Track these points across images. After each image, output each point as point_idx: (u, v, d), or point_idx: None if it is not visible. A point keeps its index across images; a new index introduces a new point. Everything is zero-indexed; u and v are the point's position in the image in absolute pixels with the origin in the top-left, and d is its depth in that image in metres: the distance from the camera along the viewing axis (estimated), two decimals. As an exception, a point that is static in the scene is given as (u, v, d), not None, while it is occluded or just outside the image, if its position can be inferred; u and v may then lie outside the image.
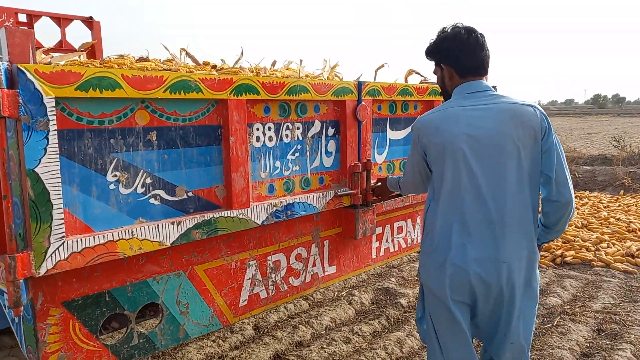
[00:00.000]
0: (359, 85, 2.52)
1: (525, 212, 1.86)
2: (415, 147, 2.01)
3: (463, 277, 1.83)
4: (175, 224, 1.82)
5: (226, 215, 1.99)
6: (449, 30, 1.97)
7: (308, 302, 4.57)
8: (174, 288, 1.92)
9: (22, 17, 5.34)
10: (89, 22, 5.83)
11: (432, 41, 2.03)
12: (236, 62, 3.03)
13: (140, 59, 2.79)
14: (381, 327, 4.08)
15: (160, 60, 3.01)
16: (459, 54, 1.93)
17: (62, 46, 5.06)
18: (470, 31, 1.93)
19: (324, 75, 2.89)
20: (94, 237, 1.60)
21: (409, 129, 3.01)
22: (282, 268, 2.35)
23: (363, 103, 2.54)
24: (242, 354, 3.63)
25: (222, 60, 3.21)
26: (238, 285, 2.16)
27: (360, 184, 2.58)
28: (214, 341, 3.84)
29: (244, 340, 3.90)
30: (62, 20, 5.51)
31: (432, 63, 2.10)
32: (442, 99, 2.27)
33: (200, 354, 3.64)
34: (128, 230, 1.69)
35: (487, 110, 1.88)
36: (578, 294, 4.66)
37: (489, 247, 1.82)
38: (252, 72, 2.59)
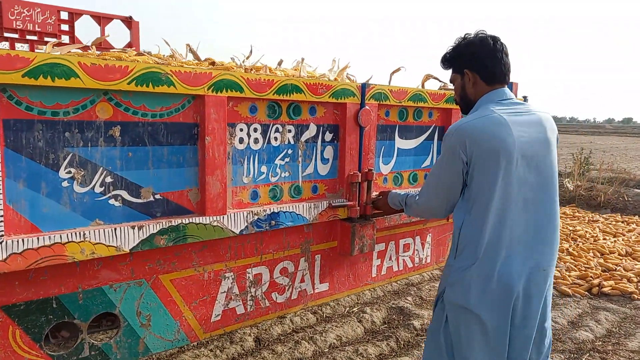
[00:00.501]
0: (363, 87, 2.31)
1: (557, 220, 1.89)
2: (453, 159, 1.80)
3: (510, 290, 1.79)
4: (136, 228, 1.67)
5: (198, 221, 1.82)
6: (472, 36, 1.92)
7: (316, 317, 4.36)
8: (134, 298, 1.77)
9: (64, 15, 5.46)
10: (128, 21, 5.91)
11: (452, 47, 1.97)
12: (245, 60, 2.89)
13: (140, 54, 2.69)
14: (389, 350, 3.81)
15: (163, 55, 2.91)
16: (487, 59, 1.88)
17: (101, 44, 5.13)
18: (495, 38, 1.89)
19: (330, 77, 2.70)
20: (38, 238, 1.47)
21: (421, 138, 2.76)
22: (264, 282, 2.16)
23: (366, 107, 2.32)
24: (237, 366, 3.46)
25: (231, 58, 3.08)
26: (211, 298, 1.98)
27: (359, 195, 2.37)
28: (211, 350, 3.69)
29: (243, 352, 3.73)
30: (102, 19, 5.61)
31: (448, 72, 2.02)
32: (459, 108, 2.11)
33: (195, 362, 3.50)
34: (79, 233, 1.55)
35: (528, 116, 1.87)
36: (613, 329, 4.22)
37: (534, 256, 1.82)
38: (251, 70, 2.43)
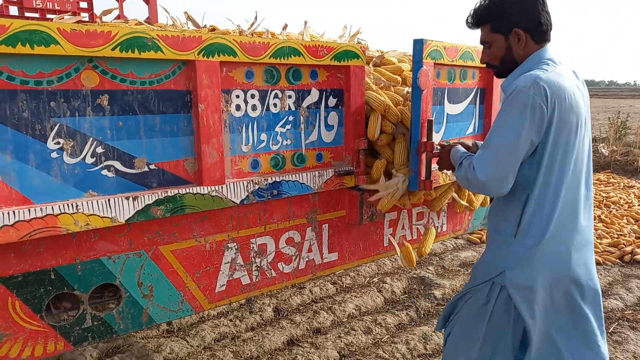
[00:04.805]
0: (420, 43, 2.11)
1: None
2: (533, 113, 1.56)
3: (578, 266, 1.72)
4: (130, 199, 1.64)
5: (195, 191, 1.78)
6: None
7: (335, 287, 4.36)
8: (135, 269, 1.76)
9: (83, -7, 5.45)
10: (145, -3, 5.87)
11: (490, 2, 1.70)
12: (250, 27, 2.80)
13: (139, 23, 2.64)
14: (408, 319, 3.78)
15: (166, 25, 2.85)
16: (540, 15, 1.65)
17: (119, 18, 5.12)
18: None
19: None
20: (29, 210, 1.45)
21: (466, 102, 2.55)
22: (270, 252, 2.12)
23: (424, 67, 2.12)
24: (255, 335, 3.50)
25: (238, 25, 3.00)
26: (214, 268, 1.96)
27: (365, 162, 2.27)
28: (231, 320, 3.74)
29: (262, 322, 3.76)
30: (119, -5, 5.59)
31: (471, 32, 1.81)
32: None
33: (215, 332, 3.56)
34: (72, 204, 1.53)
35: (575, 74, 1.71)
36: (646, 298, 4.05)
37: (588, 227, 1.74)
38: (251, 35, 2.34)
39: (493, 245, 1.82)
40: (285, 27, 2.75)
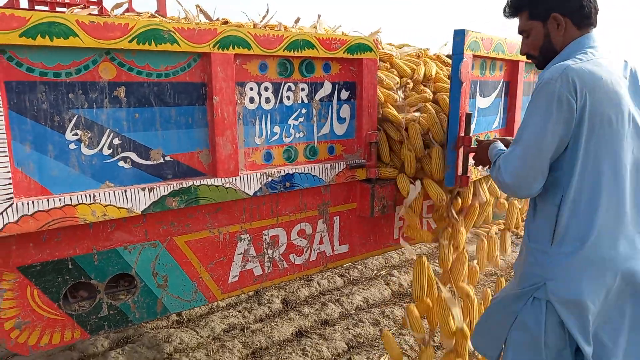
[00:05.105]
0: (461, 34, 2.05)
1: None
2: (560, 107, 1.45)
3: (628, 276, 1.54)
4: (146, 190, 1.66)
5: (210, 183, 1.80)
6: None
7: (343, 280, 4.39)
8: (150, 259, 1.78)
9: (91, -15, 5.45)
10: (154, -11, 5.85)
11: None
12: (262, 20, 2.81)
13: (152, 16, 2.65)
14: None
15: (178, 18, 2.86)
16: None
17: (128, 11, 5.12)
18: None
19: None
20: (48, 200, 1.47)
21: (494, 96, 2.52)
22: (282, 244, 2.14)
23: (465, 59, 2.07)
24: (264, 327, 3.53)
25: (251, 19, 3.01)
26: (227, 259, 1.98)
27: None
28: (239, 312, 3.78)
29: (270, 313, 3.80)
30: (129, -12, 5.58)
31: (507, 21, 1.72)
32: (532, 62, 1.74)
33: (224, 323, 3.60)
34: (90, 195, 1.55)
35: (625, 64, 1.59)
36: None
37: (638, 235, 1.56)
38: (264, 28, 2.34)
39: (528, 255, 1.66)
40: (297, 20, 2.75)
